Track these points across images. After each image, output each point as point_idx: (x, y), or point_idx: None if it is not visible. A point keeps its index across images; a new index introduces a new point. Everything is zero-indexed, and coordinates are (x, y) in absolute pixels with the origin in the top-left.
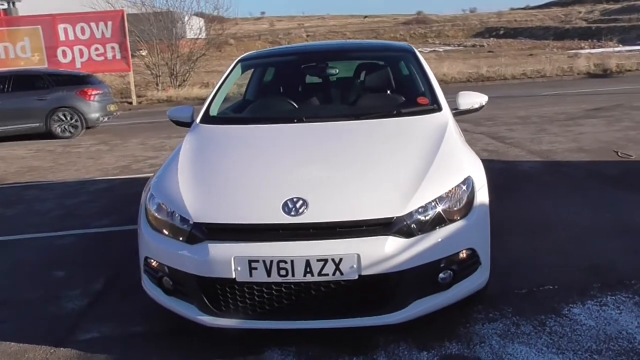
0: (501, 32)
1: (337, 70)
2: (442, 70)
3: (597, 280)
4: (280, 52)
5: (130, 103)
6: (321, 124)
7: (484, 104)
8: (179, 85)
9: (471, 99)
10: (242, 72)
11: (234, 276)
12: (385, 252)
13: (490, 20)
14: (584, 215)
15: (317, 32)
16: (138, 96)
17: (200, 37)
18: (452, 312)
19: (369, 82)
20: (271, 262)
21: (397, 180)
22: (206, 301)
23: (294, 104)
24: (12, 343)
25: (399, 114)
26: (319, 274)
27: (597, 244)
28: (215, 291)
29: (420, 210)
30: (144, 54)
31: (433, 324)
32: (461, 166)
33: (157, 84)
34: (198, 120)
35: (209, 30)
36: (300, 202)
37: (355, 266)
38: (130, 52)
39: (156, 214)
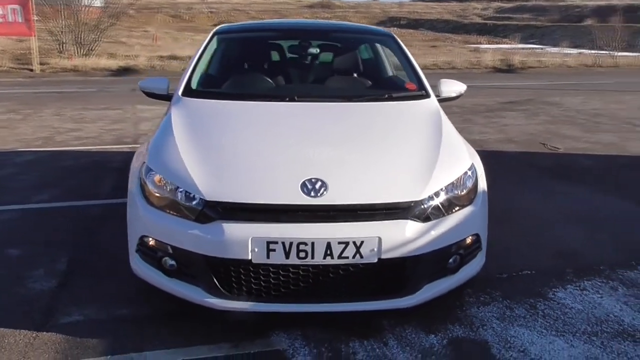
0: (403, 22)
1: (318, 50)
2: None
3: (568, 266)
4: (260, 27)
5: (32, 70)
6: (317, 104)
7: (462, 92)
8: (85, 55)
9: (452, 87)
10: (218, 45)
11: (249, 257)
12: (405, 236)
13: (392, 9)
14: (536, 205)
15: (220, 8)
16: (40, 64)
17: (94, 4)
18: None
19: (353, 64)
20: (291, 243)
21: (411, 165)
22: (217, 283)
23: (282, 82)
24: None
25: (391, 98)
26: (339, 256)
27: (556, 232)
28: (228, 273)
29: (434, 195)
30: (35, 19)
31: (429, 307)
32: (465, 154)
33: (60, 51)
34: (180, 93)
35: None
36: (319, 183)
37: (375, 249)
38: (33, 16)
39: (155, 190)
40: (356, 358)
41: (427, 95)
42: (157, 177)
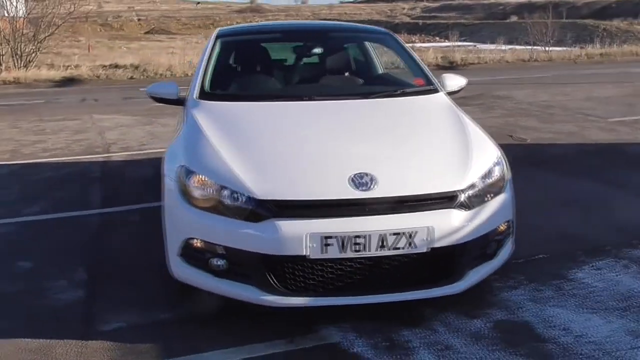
0: None
1: (322, 50)
2: None
3: (577, 248)
4: (261, 30)
5: None
6: (336, 102)
7: (463, 86)
8: (25, 66)
9: (455, 82)
10: (221, 48)
11: (306, 253)
12: (453, 225)
13: (322, 12)
14: (523, 192)
15: (149, 16)
16: None
17: (17, 15)
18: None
19: (357, 62)
20: (346, 237)
21: (449, 156)
22: (272, 281)
23: (293, 82)
24: (27, 339)
25: (404, 94)
26: (393, 247)
27: (551, 217)
28: (283, 270)
29: (474, 184)
30: None
31: (462, 293)
32: (491, 144)
33: None
34: (195, 96)
35: (30, 10)
36: (367, 177)
37: (427, 239)
38: None
39: (198, 191)
40: (411, 345)
41: (437, 90)
42: (198, 178)
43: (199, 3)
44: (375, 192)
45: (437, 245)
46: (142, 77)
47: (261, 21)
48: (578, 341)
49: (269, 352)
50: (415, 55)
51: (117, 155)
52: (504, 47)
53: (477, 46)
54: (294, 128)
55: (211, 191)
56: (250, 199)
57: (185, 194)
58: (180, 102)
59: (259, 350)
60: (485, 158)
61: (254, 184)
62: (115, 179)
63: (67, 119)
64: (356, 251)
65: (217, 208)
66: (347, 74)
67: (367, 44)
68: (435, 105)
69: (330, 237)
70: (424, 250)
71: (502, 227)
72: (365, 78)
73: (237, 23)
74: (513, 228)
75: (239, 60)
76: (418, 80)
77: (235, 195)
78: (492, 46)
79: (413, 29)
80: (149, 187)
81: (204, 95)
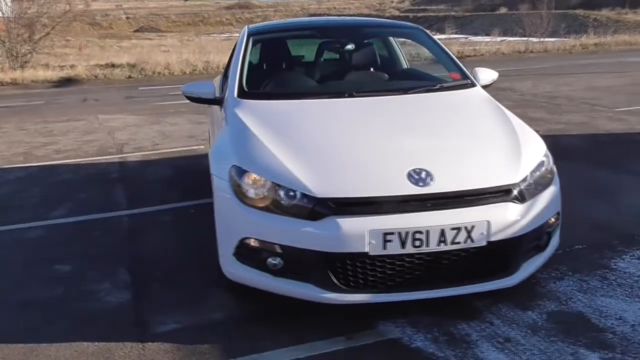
0: None
1: (354, 46)
2: None
3: (612, 238)
4: (292, 27)
5: None
6: (378, 98)
7: (495, 79)
8: (21, 67)
9: (488, 75)
10: (255, 46)
11: (366, 250)
12: (510, 219)
13: (311, 7)
14: None
15: (137, 14)
16: None
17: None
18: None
19: (390, 58)
20: (407, 233)
21: (501, 150)
22: (333, 278)
23: (331, 79)
24: (85, 343)
25: (442, 89)
26: (452, 242)
27: (581, 207)
28: (344, 267)
29: (527, 177)
30: None
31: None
32: (538, 137)
33: None
34: (235, 95)
35: (25, 10)
36: (424, 172)
37: (485, 233)
38: None
39: (252, 190)
40: (471, 339)
41: (473, 84)
42: (252, 177)
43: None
44: (433, 188)
45: (494, 238)
46: (139, 76)
47: (250, 17)
48: (635, 330)
49: (330, 349)
50: (447, 49)
51: (133, 156)
52: (498, 39)
53: (469, 38)
54: (341, 125)
55: (266, 190)
56: (309, 197)
57: (239, 194)
58: (217, 101)
59: (320, 347)
60: (534, 151)
61: (311, 182)
62: (136, 180)
63: (72, 120)
64: (416, 246)
65: (273, 207)
66: (380, 69)
67: (392, 39)
68: (477, 99)
69: (391, 233)
70: (482, 244)
71: (552, 219)
72: (399, 73)
73: (227, 20)
74: (560, 220)
75: (273, 58)
76: (454, 74)
77: (292, 194)
78: (487, 38)
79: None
80: (172, 187)
81: (243, 94)
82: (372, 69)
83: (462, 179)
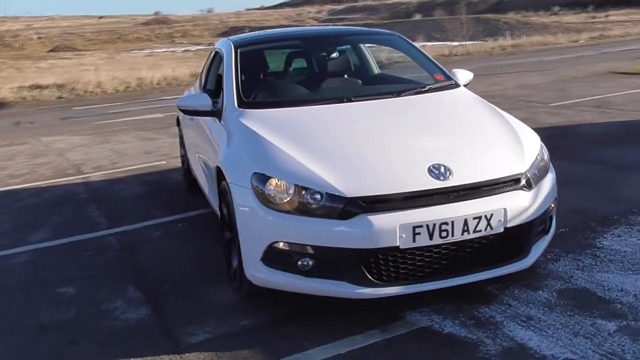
0: (247, 30)
1: (338, 54)
2: None
3: (589, 220)
4: (276, 37)
5: None
6: (375, 102)
7: (471, 79)
8: None
9: (465, 76)
10: (243, 57)
11: (397, 244)
12: (522, 205)
13: (230, 20)
14: None
15: (50, 33)
16: None
17: None
18: None
19: (371, 64)
20: (434, 225)
21: (506, 143)
22: (366, 273)
23: (326, 86)
24: None
25: (430, 90)
26: (474, 230)
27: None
28: (377, 262)
29: (531, 166)
30: None
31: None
32: (531, 130)
33: None
34: (235, 105)
35: None
36: (442, 167)
37: (502, 220)
38: None
39: (276, 195)
40: (496, 320)
41: (458, 84)
42: (274, 182)
43: (101, 17)
44: (453, 181)
45: (510, 225)
46: (70, 96)
47: (170, 32)
48: (639, 299)
49: (369, 342)
50: (427, 53)
51: (95, 176)
52: (423, 44)
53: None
54: (350, 128)
55: (290, 194)
56: (338, 198)
57: (263, 199)
58: (213, 113)
59: (359, 342)
60: (532, 142)
61: (340, 183)
62: (108, 199)
63: (13, 144)
64: (442, 237)
65: (299, 209)
66: (365, 74)
67: (386, 46)
68: (468, 98)
69: (420, 226)
70: (500, 230)
71: (552, 205)
72: (386, 77)
73: (146, 36)
74: (555, 205)
75: (264, 68)
76: (439, 76)
77: (318, 196)
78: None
79: None
80: (149, 204)
81: (243, 104)
82: (364, 74)
83: (478, 171)
